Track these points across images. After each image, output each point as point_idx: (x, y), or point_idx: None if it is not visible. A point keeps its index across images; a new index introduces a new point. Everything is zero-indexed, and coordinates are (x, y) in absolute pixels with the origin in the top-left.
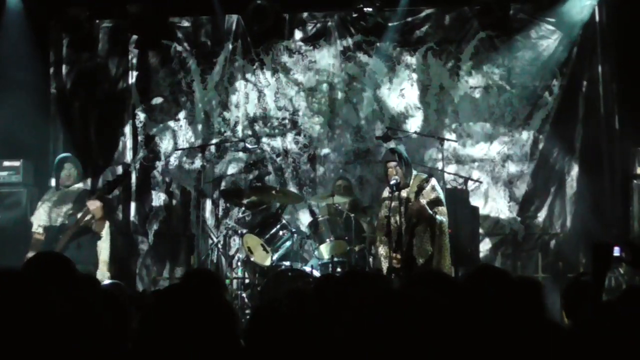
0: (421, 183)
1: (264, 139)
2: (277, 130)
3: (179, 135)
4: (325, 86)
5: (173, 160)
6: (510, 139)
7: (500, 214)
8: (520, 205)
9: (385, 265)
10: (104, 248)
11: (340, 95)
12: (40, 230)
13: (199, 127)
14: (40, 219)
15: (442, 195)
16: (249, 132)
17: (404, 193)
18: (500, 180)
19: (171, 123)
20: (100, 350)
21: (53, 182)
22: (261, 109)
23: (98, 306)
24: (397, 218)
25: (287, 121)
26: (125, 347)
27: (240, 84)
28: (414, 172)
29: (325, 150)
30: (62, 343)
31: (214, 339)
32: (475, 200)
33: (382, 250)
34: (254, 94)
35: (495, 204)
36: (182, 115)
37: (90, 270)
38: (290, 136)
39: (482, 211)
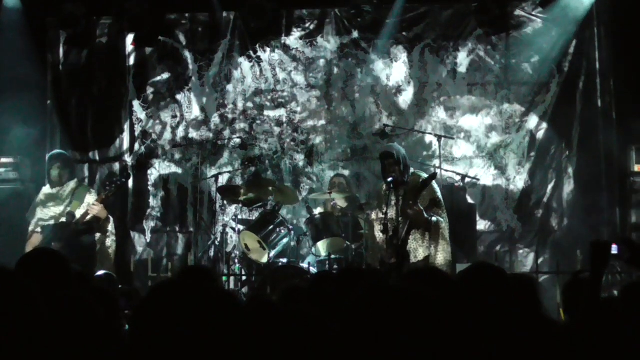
0: (421, 183)
1: (261, 136)
2: (274, 127)
3: (176, 131)
4: (322, 83)
5: (170, 157)
6: (508, 136)
7: (497, 211)
8: (517, 202)
9: (377, 258)
10: (111, 245)
11: (337, 92)
12: (39, 229)
13: (197, 123)
14: (37, 217)
15: (439, 194)
16: (247, 129)
17: (401, 191)
18: (497, 177)
19: (168, 119)
20: (93, 348)
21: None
22: (258, 106)
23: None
24: (394, 215)
25: (284, 118)
26: (117, 343)
27: (237, 80)
28: (412, 170)
29: (322, 147)
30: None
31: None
32: (472, 198)
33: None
34: (250, 91)
35: (492, 201)
36: (179, 111)
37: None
38: (287, 133)
39: (479, 209)
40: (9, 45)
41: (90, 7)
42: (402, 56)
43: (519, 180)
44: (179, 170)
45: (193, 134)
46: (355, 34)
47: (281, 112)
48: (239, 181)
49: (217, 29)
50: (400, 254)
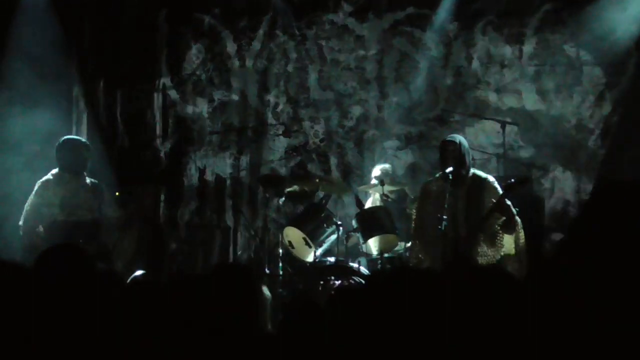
0: (506, 186)
1: (306, 122)
2: (321, 112)
3: (213, 117)
4: (373, 64)
5: (207, 145)
6: (579, 122)
7: (569, 206)
8: (590, 195)
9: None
10: (133, 243)
11: (390, 73)
12: (41, 228)
13: (236, 108)
14: (43, 216)
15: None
16: (290, 114)
17: (461, 190)
18: (568, 167)
19: (204, 103)
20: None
21: (55, 170)
22: (303, 89)
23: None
24: (453, 215)
25: (331, 102)
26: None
27: (280, 61)
28: (472, 170)
29: (373, 134)
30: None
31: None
32: (539, 190)
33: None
34: (295, 72)
35: (563, 194)
36: (216, 95)
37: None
38: (335, 119)
39: (547, 202)
40: (32, 24)
41: None
42: (462, 34)
43: (592, 171)
44: (217, 160)
45: (232, 120)
46: (410, 10)
47: (328, 96)
48: (282, 172)
49: (258, 4)
50: (464, 255)
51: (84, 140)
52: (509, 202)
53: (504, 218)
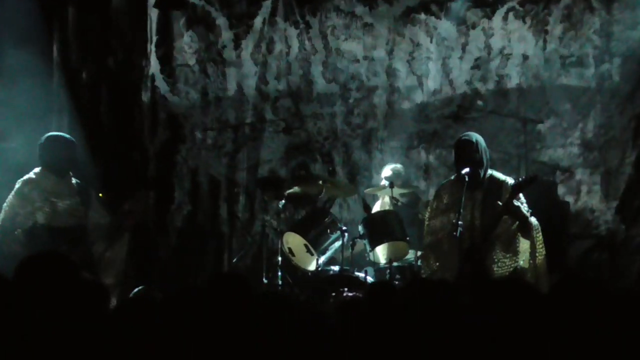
0: (514, 186)
1: (309, 118)
2: (325, 108)
3: (207, 112)
4: (383, 55)
5: (200, 143)
6: (609, 120)
7: (595, 211)
8: (620, 201)
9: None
10: (123, 252)
11: (401, 65)
12: (20, 233)
13: (231, 102)
14: (23, 219)
15: (523, 198)
16: (292, 110)
17: (478, 193)
18: (596, 170)
19: (198, 97)
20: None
21: (38, 169)
22: (306, 82)
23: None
24: (469, 220)
25: (336, 96)
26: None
27: (281, 52)
28: (489, 172)
29: (383, 132)
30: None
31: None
32: (563, 194)
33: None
34: (297, 64)
35: (589, 199)
36: (211, 88)
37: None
38: (340, 115)
39: (573, 207)
40: (11, 10)
41: None
42: (481, 22)
43: (622, 174)
44: (211, 159)
45: (227, 115)
46: None
47: (333, 90)
48: (282, 172)
49: None
50: (480, 266)
51: (70, 137)
52: (518, 203)
53: (518, 222)
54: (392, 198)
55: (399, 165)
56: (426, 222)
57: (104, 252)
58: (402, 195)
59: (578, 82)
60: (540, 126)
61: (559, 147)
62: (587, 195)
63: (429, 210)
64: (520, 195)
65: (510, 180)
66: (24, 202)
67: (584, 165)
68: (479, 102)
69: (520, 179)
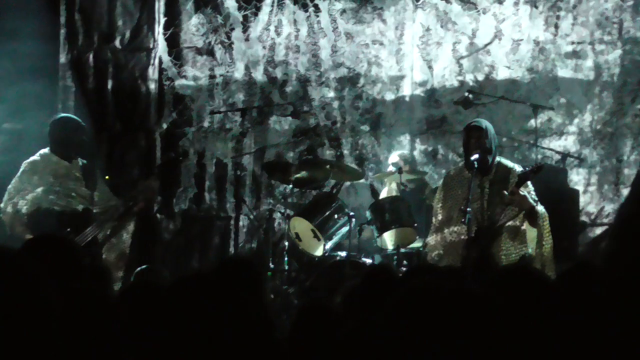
0: (521, 175)
1: (317, 102)
2: (333, 92)
3: (214, 95)
4: (393, 39)
5: (207, 126)
6: (620, 107)
7: (605, 199)
8: (631, 189)
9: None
10: (128, 235)
11: (411, 50)
12: (24, 215)
13: (239, 85)
14: (27, 201)
15: (531, 186)
16: (300, 94)
17: (485, 180)
18: (606, 157)
19: (205, 80)
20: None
21: (44, 150)
22: (315, 66)
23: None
24: (477, 208)
25: (345, 81)
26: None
27: (289, 35)
28: (497, 159)
29: (391, 117)
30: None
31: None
32: (574, 182)
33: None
34: (306, 47)
35: (599, 187)
36: (218, 71)
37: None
38: (349, 99)
39: (583, 195)
40: None
41: None
42: (492, 7)
43: (633, 162)
44: (217, 142)
45: (235, 98)
46: None
47: (342, 74)
48: (289, 157)
49: None
50: (487, 252)
51: (77, 119)
52: (525, 192)
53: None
54: (400, 184)
55: (406, 152)
56: (434, 209)
57: (110, 236)
58: (410, 181)
59: (589, 69)
60: (550, 113)
61: (570, 134)
62: (597, 183)
63: (436, 196)
64: (528, 183)
65: (517, 168)
66: (27, 184)
67: (594, 153)
68: (468, 94)
69: (526, 168)
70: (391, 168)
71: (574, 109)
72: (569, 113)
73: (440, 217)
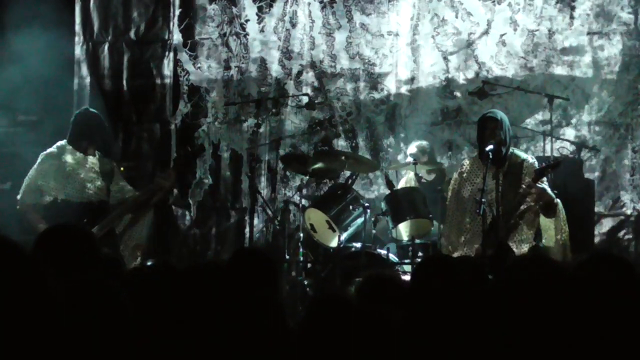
0: (537, 171)
1: (332, 93)
2: (348, 83)
3: (229, 86)
4: (408, 30)
5: (222, 117)
6: (636, 97)
7: (621, 190)
8: None
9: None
10: (146, 226)
11: (425, 40)
12: (41, 206)
13: (254, 76)
14: (43, 193)
15: (545, 179)
16: (315, 85)
17: (500, 171)
18: (622, 148)
19: (220, 71)
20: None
21: (61, 142)
22: (330, 57)
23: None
24: (492, 199)
25: (361, 72)
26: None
27: (304, 26)
28: (511, 150)
29: (406, 108)
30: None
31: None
32: (589, 172)
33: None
34: (321, 38)
35: (615, 178)
36: (233, 62)
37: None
38: (364, 90)
39: (599, 186)
40: None
41: None
42: None
43: None
44: (232, 133)
45: (250, 90)
46: None
47: (357, 65)
48: (304, 148)
49: None
50: (502, 242)
51: (96, 112)
52: (542, 186)
53: (541, 202)
54: (416, 175)
55: (424, 142)
56: (448, 200)
57: (127, 228)
58: (427, 172)
59: (605, 59)
60: (566, 103)
61: (585, 124)
62: (613, 174)
63: (450, 187)
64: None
65: (530, 159)
66: (43, 176)
67: (610, 144)
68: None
69: (544, 164)
70: (409, 159)
71: (589, 100)
72: (585, 103)
73: (454, 207)
